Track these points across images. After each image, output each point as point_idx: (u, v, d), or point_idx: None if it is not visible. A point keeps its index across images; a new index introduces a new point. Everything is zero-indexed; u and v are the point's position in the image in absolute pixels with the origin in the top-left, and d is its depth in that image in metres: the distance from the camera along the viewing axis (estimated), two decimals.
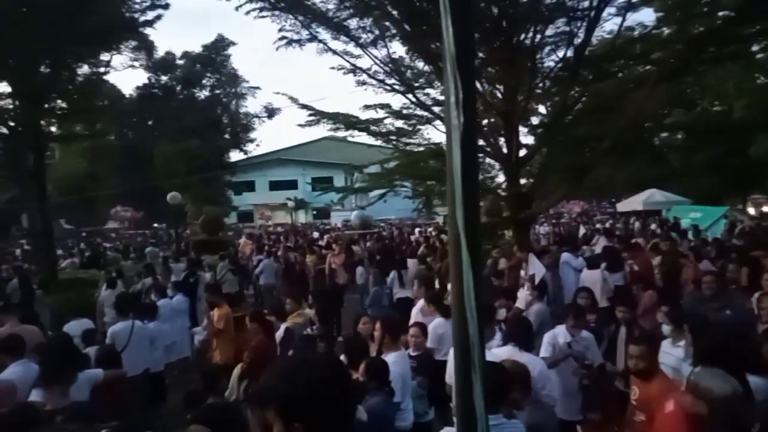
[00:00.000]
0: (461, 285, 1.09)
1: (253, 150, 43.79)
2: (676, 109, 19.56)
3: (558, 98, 11.27)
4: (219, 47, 26.05)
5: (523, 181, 12.07)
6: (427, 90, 12.50)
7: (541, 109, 15.19)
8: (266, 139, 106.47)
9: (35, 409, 2.78)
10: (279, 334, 5.32)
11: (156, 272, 10.36)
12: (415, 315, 5.84)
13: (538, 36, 9.98)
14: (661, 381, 3.43)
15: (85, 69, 14.14)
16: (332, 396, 1.28)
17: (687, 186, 21.53)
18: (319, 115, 12.94)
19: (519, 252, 8.26)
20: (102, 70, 14.59)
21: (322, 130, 17.85)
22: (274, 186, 47.35)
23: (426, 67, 12.09)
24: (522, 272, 7.04)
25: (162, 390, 6.62)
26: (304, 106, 12.95)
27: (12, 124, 12.42)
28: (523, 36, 9.88)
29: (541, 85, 11.14)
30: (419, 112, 12.53)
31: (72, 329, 6.22)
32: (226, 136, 32.37)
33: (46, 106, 12.86)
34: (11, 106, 12.74)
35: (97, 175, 33.00)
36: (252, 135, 37.07)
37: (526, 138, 13.50)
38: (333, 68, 12.50)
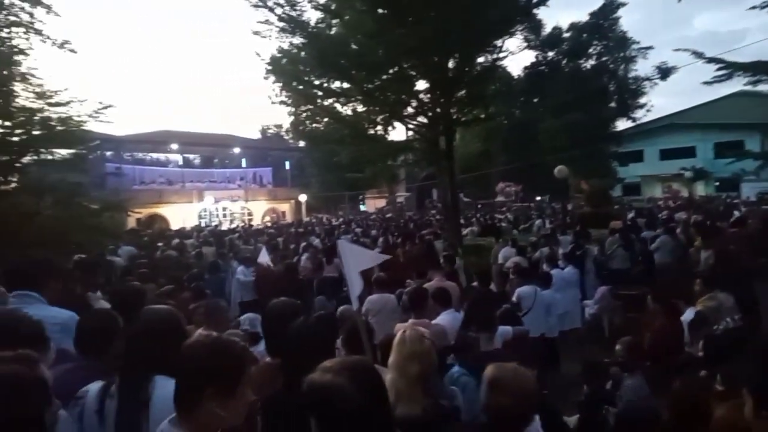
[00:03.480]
0: None
1: (642, 117, 40.24)
2: None
3: None
4: (607, 12, 24.83)
5: None
6: None
7: None
8: (657, 103, 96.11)
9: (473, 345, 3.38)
10: (686, 317, 4.82)
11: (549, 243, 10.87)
12: None
13: None
14: None
15: (481, 59, 15.79)
16: None
17: None
18: (731, 68, 10.86)
19: None
20: (496, 56, 15.98)
21: (729, 87, 14.88)
22: (666, 155, 42.57)
23: None
24: None
25: (556, 357, 6.97)
26: (712, 60, 11.08)
27: (430, 114, 15.04)
28: None
29: None
30: None
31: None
32: (612, 104, 30.72)
33: (454, 97, 15.00)
34: (428, 99, 15.40)
35: (488, 153, 36.72)
36: (641, 100, 34.26)
37: None
38: (753, 8, 10.32)
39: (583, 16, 29.09)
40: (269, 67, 15.77)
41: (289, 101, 20.74)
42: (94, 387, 2.12)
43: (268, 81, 16.30)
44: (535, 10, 14.89)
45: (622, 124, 36.55)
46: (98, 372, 2.30)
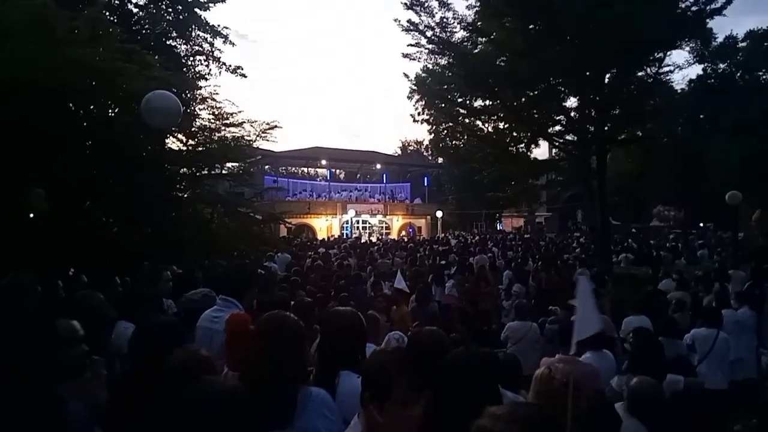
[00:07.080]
0: None
1: None
2: None
3: None
4: None
5: None
6: None
7: None
8: None
9: None
10: None
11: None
12: None
13: None
14: None
15: (641, 73, 14.52)
16: None
17: None
18: None
19: None
20: (658, 70, 14.59)
21: None
22: None
23: None
24: None
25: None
26: None
27: (579, 132, 14.21)
28: None
29: None
30: None
31: (630, 324, 6.47)
32: None
33: (609, 114, 14.01)
34: (578, 117, 14.56)
35: (642, 173, 33.75)
36: None
37: None
38: None
39: (763, 23, 25.47)
40: (414, 87, 16.20)
41: (431, 119, 21.07)
42: None
43: (409, 98, 16.75)
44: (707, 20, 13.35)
45: None
46: None
